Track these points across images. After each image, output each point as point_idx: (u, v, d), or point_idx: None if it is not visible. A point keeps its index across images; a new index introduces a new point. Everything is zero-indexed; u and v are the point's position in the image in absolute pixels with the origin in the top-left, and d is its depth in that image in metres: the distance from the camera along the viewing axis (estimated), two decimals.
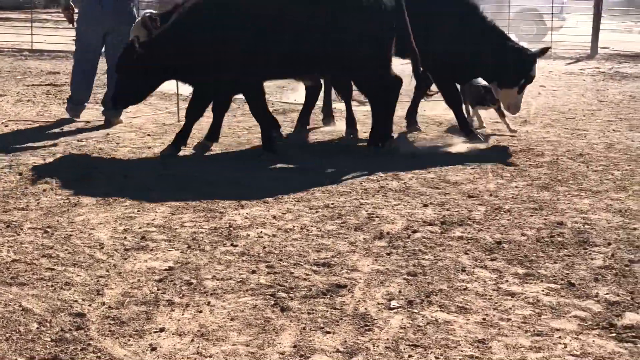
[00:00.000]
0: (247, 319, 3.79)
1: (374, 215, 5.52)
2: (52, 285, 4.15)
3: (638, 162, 7.31)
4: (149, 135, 8.34)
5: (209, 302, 3.98)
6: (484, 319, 3.84)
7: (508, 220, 5.47)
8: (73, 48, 9.25)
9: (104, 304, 3.93)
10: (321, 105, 8.94)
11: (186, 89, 8.68)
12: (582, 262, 4.67)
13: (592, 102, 11.36)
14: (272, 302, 3.98)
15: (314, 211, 5.61)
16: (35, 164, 6.94)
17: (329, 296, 4.08)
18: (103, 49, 8.89)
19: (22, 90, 11.28)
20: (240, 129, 8.64)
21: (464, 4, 8.22)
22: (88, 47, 8.82)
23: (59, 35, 15.98)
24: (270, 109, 8.31)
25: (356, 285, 4.23)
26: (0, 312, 3.80)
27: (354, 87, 8.25)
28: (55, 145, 7.72)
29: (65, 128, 8.61)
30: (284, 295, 4.08)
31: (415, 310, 3.92)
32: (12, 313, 3.79)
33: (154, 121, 9.13)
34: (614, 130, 9.05)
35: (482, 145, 7.88)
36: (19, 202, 5.70)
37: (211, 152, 7.57)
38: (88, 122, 8.86)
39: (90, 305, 3.91)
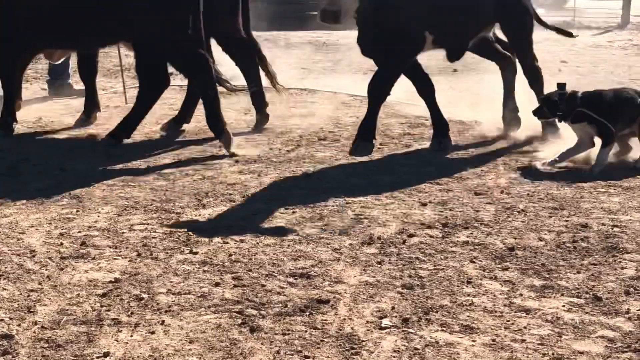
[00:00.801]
0: (209, 341, 3.77)
1: (362, 217, 5.53)
2: None
3: None
4: (89, 119, 8.33)
5: (163, 321, 3.96)
6: (493, 340, 3.84)
7: (522, 222, 5.49)
8: None
9: (36, 323, 3.90)
10: None
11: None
12: (610, 272, 4.68)
13: (623, 80, 11.42)
14: (240, 321, 3.96)
15: (290, 211, 5.62)
16: None
17: (308, 313, 4.07)
18: None
19: None
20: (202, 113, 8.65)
21: None
22: None
23: None
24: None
25: (341, 301, 4.22)
26: None
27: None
28: None
29: None
30: (254, 312, 4.07)
31: (411, 330, 3.92)
32: None
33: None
34: None
35: None
36: None
37: (165, 139, 7.56)
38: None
39: (19, 325, 3.88)
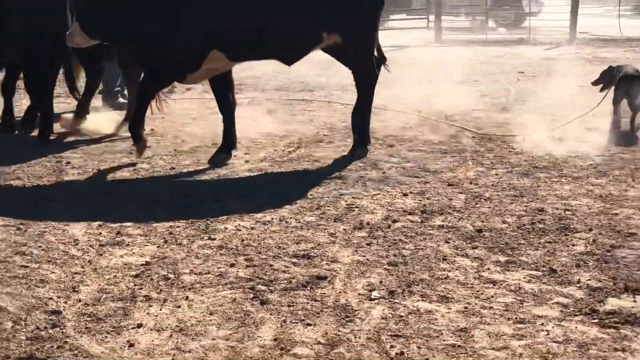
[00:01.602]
0: (226, 313, 3.79)
1: (354, 206, 5.53)
2: (26, 283, 4.13)
3: (618, 147, 7.36)
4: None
5: (187, 297, 3.97)
6: (465, 307, 3.86)
7: (488, 208, 5.50)
8: None
9: (79, 300, 3.92)
10: None
11: None
12: (563, 248, 4.70)
13: (572, 87, 11.40)
14: (252, 295, 3.98)
15: (292, 203, 5.61)
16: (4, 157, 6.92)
17: (309, 288, 4.09)
18: None
19: None
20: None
21: None
22: None
23: None
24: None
25: (336, 277, 4.24)
26: None
27: None
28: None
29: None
30: (263, 288, 4.08)
31: (396, 301, 3.93)
32: None
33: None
34: (594, 116, 9.09)
35: None
36: None
37: (184, 147, 7.50)
38: None
39: (65, 302, 3.90)
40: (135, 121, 6.79)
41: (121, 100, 9.65)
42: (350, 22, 6.83)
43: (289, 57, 7.00)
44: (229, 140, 6.98)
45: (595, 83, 8.51)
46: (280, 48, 6.82)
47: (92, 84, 8.30)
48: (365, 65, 7.05)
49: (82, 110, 8.07)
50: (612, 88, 8.20)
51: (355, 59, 7.08)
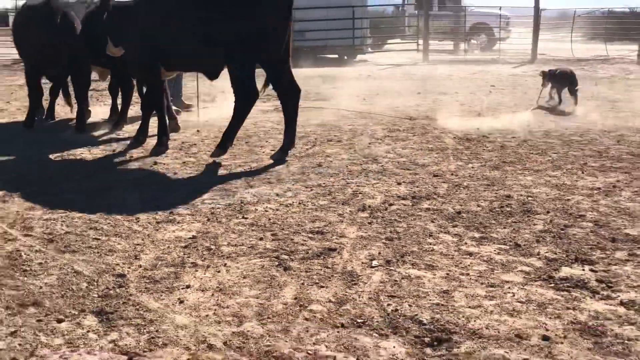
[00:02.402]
0: (256, 277, 3.81)
1: (358, 192, 5.53)
2: (98, 252, 4.18)
3: (570, 146, 7.35)
4: (171, 130, 8.33)
5: (225, 264, 4.00)
6: (447, 274, 3.87)
7: (466, 194, 5.49)
8: None
9: (140, 266, 3.96)
10: None
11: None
12: (526, 227, 4.70)
13: (533, 98, 11.36)
14: (277, 263, 4.01)
15: (309, 189, 5.62)
16: (81, 153, 6.95)
17: (322, 258, 4.11)
18: None
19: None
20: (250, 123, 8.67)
21: None
22: None
23: None
24: None
25: (344, 249, 4.26)
26: (56, 274, 3.82)
27: None
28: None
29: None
30: (286, 257, 4.11)
31: (392, 268, 3.95)
32: (65, 275, 3.82)
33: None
34: (550, 120, 9.09)
35: None
36: (71, 184, 5.72)
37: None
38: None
39: (129, 267, 3.94)
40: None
41: (185, 102, 9.88)
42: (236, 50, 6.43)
43: (208, 73, 6.96)
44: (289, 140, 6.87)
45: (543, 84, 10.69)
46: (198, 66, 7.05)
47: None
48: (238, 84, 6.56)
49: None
50: (545, 79, 10.59)
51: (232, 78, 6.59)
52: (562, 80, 10.47)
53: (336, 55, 21.28)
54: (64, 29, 7.81)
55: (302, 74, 15.86)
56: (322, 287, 3.68)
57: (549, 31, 24.86)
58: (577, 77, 10.50)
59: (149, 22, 6.76)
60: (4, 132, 8.33)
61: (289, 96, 6.80)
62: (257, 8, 6.37)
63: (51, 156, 6.89)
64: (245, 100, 6.56)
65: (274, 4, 6.50)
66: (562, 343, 3.10)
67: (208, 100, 10.40)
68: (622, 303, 3.51)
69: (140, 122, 7.50)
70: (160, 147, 7.01)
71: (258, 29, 6.38)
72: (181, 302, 3.49)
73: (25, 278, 3.76)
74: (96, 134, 8.08)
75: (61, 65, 8.07)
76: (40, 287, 3.64)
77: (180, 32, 6.54)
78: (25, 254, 4.13)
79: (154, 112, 7.19)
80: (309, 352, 3.01)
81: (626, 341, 3.12)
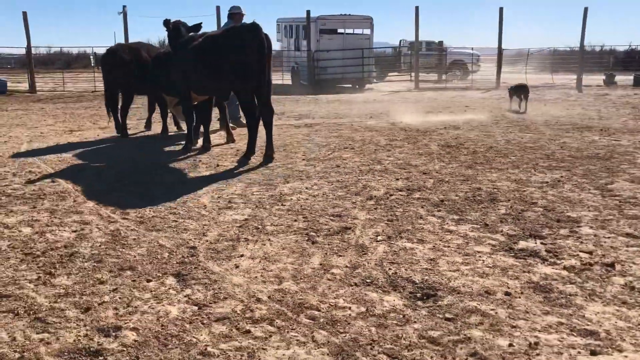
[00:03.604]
0: (292, 249, 3.81)
1: (367, 186, 5.51)
2: (176, 230, 4.20)
3: (526, 151, 7.24)
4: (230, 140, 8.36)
5: (269, 239, 4.00)
6: (434, 246, 3.85)
7: (447, 187, 5.45)
8: None
9: (207, 241, 3.97)
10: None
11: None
12: (492, 211, 4.65)
13: (497, 115, 11.24)
14: (307, 239, 4.00)
15: (330, 184, 5.61)
16: (164, 158, 7.00)
17: (340, 234, 4.09)
18: None
19: (155, 116, 11.31)
20: (285, 135, 8.67)
21: None
22: None
23: None
24: None
25: (356, 227, 4.24)
26: (146, 247, 3.85)
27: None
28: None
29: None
30: (313, 234, 4.10)
31: (392, 242, 3.93)
32: (152, 247, 3.84)
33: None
34: (510, 132, 8.97)
35: None
36: (156, 180, 5.76)
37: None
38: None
39: (199, 242, 3.95)
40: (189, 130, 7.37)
41: (243, 121, 9.56)
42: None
43: (221, 97, 7.28)
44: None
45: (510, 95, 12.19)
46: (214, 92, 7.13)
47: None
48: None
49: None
50: (510, 93, 12.21)
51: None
52: (519, 90, 12.11)
53: (350, 85, 21.21)
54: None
55: (325, 98, 15.87)
56: (340, 256, 3.67)
57: (509, 65, 24.53)
58: (529, 89, 12.20)
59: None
60: (110, 142, 8.43)
61: (265, 115, 6.70)
62: (241, 52, 6.44)
63: (145, 160, 6.95)
64: (252, 118, 6.67)
65: (252, 47, 6.42)
66: (520, 297, 3.07)
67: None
68: (565, 268, 3.46)
69: (206, 133, 7.64)
70: (185, 150, 7.36)
71: (245, 66, 6.46)
72: (237, 267, 3.50)
73: (124, 249, 3.80)
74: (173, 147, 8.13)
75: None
76: (134, 256, 3.68)
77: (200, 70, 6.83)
78: (123, 232, 4.17)
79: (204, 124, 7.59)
80: (331, 303, 3.01)
81: (568, 296, 3.08)
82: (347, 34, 21.42)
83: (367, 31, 21.49)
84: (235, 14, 9.36)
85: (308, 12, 20.01)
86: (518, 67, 25.36)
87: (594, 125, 9.61)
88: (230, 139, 7.98)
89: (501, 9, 19.28)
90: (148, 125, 9.50)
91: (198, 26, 7.54)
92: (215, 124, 9.11)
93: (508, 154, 7.04)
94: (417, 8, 19.42)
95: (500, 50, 19.81)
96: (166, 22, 7.46)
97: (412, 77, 21.86)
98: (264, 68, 6.51)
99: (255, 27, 6.48)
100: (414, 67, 21.25)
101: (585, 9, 19.05)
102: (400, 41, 26.74)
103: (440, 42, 26.24)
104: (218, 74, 6.66)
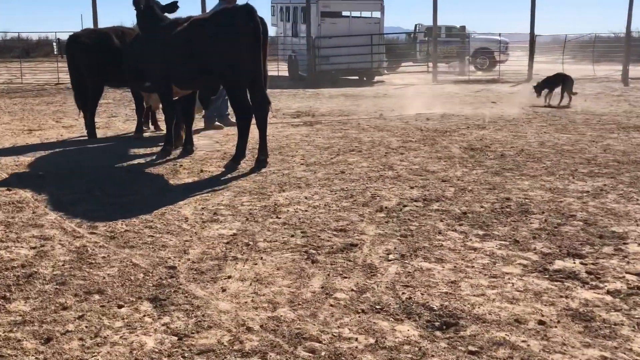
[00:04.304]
0: (288, 269, 3.81)
1: (376, 195, 5.51)
2: (152, 247, 4.20)
3: (562, 155, 7.26)
4: (217, 142, 8.39)
5: (261, 258, 4.00)
6: (454, 266, 3.84)
7: (471, 197, 5.45)
8: None
9: (188, 259, 3.97)
10: None
11: None
12: (523, 225, 4.65)
13: (529, 113, 11.27)
14: (306, 257, 4.00)
15: (333, 193, 5.61)
16: (139, 163, 7.02)
17: (345, 252, 4.09)
18: None
19: (129, 112, 11.38)
20: (280, 137, 8.68)
21: None
22: None
23: None
24: None
25: (364, 244, 4.24)
26: (117, 266, 3.86)
27: None
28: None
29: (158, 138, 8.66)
30: (314, 251, 4.10)
31: (406, 261, 3.92)
32: (125, 267, 3.84)
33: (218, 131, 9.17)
34: (545, 132, 9.00)
35: None
36: (130, 189, 5.78)
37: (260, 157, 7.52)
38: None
39: (179, 260, 3.95)
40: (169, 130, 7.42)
41: (232, 120, 9.46)
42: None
43: (208, 91, 7.09)
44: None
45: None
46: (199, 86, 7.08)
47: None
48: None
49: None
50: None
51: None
52: (555, 81, 12.25)
53: (356, 77, 21.27)
54: None
55: (327, 93, 15.93)
56: (345, 277, 3.67)
57: (543, 54, 24.62)
58: (570, 79, 12.35)
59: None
60: (77, 145, 8.45)
61: (258, 110, 6.68)
62: (233, 38, 6.42)
63: (116, 165, 6.96)
64: (244, 116, 6.65)
65: (246, 33, 6.41)
66: (556, 327, 3.06)
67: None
68: (608, 292, 3.46)
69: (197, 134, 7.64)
70: (163, 153, 7.35)
71: (238, 56, 6.46)
72: (224, 290, 3.50)
73: (91, 270, 3.81)
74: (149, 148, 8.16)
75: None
76: (104, 278, 3.68)
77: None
78: (90, 249, 4.17)
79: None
80: (334, 334, 3.01)
81: (612, 326, 3.07)
82: (353, 17, 21.52)
83: (376, 14, 21.58)
84: None
85: None
86: (553, 56, 25.46)
87: None
88: (179, 144, 7.70)
89: None
90: (154, 124, 9.48)
91: (174, 5, 7.53)
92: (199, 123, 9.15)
93: (542, 159, 7.05)
94: None
95: (532, 37, 19.90)
96: (136, 1, 7.44)
97: (429, 68, 21.93)
98: (260, 58, 6.51)
99: (249, 9, 6.50)
100: (432, 56, 21.32)
101: None
102: (416, 26, 26.86)
103: (463, 27, 26.34)
104: (205, 65, 6.63)
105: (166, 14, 7.44)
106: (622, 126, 9.57)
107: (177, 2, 7.53)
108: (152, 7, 7.38)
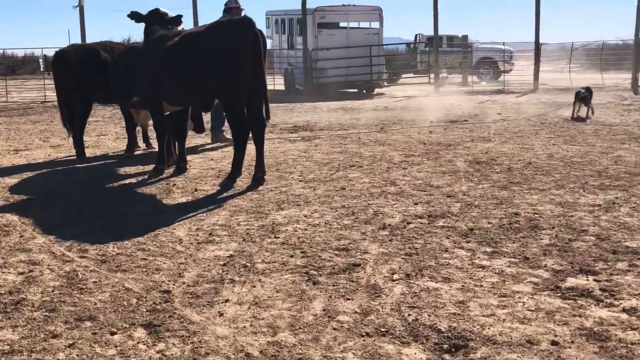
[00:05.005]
0: (288, 291, 3.80)
1: (378, 212, 5.51)
2: (146, 271, 4.20)
3: (572, 167, 7.28)
4: (211, 159, 8.40)
5: (260, 280, 3.99)
6: (462, 286, 3.84)
7: (477, 212, 5.45)
8: None
9: (184, 283, 3.96)
10: None
11: None
12: (533, 241, 4.65)
13: (536, 124, 11.31)
14: (306, 278, 3.99)
15: (334, 211, 5.61)
16: (131, 182, 7.02)
17: (347, 272, 4.09)
18: None
19: (118, 130, 11.40)
20: (278, 152, 8.70)
21: None
22: None
23: None
24: None
25: (367, 264, 4.24)
26: (109, 291, 3.85)
27: None
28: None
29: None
30: (314, 272, 4.09)
31: (411, 281, 3.92)
32: (117, 292, 3.84)
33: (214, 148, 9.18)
34: (553, 144, 9.02)
35: None
36: (121, 210, 5.77)
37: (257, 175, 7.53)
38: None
39: (174, 284, 3.95)
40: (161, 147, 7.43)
41: (227, 136, 9.40)
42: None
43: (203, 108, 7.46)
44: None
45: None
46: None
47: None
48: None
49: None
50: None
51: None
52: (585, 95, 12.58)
53: (356, 90, 21.35)
54: None
55: (325, 106, 15.98)
56: (348, 299, 3.66)
57: (549, 63, 24.74)
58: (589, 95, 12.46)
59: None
60: (66, 165, 8.46)
61: (254, 124, 6.71)
62: (232, 52, 6.44)
63: (107, 185, 6.96)
64: (241, 132, 6.65)
65: (245, 47, 6.45)
66: (570, 348, 3.05)
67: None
68: (624, 310, 3.45)
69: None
70: (155, 172, 7.35)
71: (237, 70, 6.47)
72: (221, 315, 3.49)
73: (82, 295, 3.79)
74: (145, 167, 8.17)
75: None
76: (95, 303, 3.67)
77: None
78: (81, 273, 4.16)
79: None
80: (338, 358, 2.99)
81: (629, 345, 3.06)
82: (351, 28, 21.64)
83: (375, 24, 21.72)
84: (232, 8, 9.40)
85: (304, 2, 20.20)
86: (560, 65, 25.57)
87: None
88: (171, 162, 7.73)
89: None
90: (146, 142, 9.42)
91: (178, 18, 7.52)
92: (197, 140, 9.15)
93: (551, 171, 7.06)
94: None
95: (537, 45, 20.00)
96: (134, 15, 7.45)
97: (431, 79, 22.02)
98: (260, 72, 6.52)
99: (248, 22, 6.53)
100: (433, 67, 21.42)
101: None
102: (416, 36, 27.02)
103: (465, 37, 26.49)
104: (201, 81, 6.64)
105: (171, 26, 7.39)
106: (634, 136, 9.60)
107: (181, 15, 7.54)
108: (157, 19, 7.36)
